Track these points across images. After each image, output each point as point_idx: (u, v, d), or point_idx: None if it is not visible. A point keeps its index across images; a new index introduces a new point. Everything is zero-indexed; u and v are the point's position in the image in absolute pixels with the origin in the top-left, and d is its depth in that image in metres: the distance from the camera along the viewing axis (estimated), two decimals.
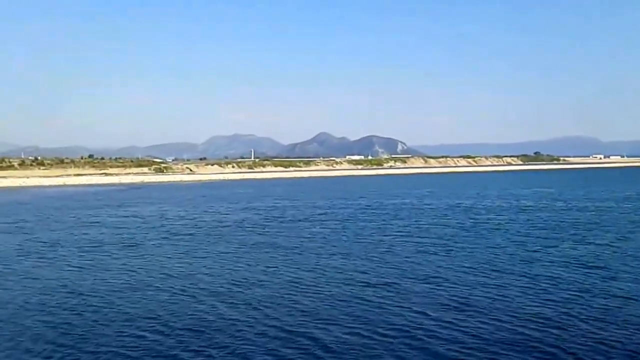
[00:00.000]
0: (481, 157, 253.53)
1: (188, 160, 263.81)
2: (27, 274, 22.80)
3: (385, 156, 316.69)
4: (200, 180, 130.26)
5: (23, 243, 31.93)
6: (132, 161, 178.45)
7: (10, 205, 61.43)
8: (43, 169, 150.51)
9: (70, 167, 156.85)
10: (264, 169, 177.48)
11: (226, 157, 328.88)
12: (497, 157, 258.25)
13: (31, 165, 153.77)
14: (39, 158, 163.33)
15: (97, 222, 43.13)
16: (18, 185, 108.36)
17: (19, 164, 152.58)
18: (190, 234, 35.02)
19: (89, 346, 13.87)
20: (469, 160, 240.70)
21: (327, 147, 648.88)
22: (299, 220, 41.71)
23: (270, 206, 54.84)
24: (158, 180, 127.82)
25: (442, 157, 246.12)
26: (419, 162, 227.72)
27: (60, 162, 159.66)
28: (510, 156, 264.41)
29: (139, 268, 23.77)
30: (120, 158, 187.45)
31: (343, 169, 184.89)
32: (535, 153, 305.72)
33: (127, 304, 17.77)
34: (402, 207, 51.38)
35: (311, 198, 65.46)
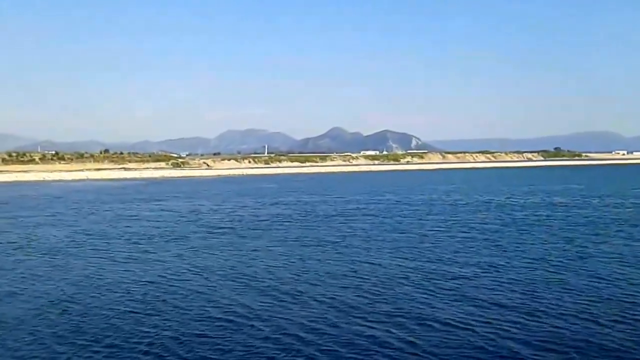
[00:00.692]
0: (500, 152, 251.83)
1: (202, 155, 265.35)
2: (93, 266, 23.22)
3: (400, 151, 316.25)
4: (219, 175, 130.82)
5: (72, 235, 32.45)
6: (149, 156, 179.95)
7: (42, 199, 62.19)
8: (63, 164, 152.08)
9: (90, 161, 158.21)
10: (280, 164, 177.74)
11: (239, 152, 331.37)
12: (517, 152, 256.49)
13: (52, 159, 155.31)
14: (59, 153, 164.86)
15: (135, 215, 43.61)
16: (41, 179, 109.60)
17: (40, 158, 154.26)
18: (230, 228, 35.32)
19: (190, 329, 14.48)
20: (488, 155, 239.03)
21: (340, 142, 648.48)
22: (333, 216, 41.85)
23: (299, 201, 55.06)
24: (178, 175, 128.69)
25: (460, 152, 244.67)
26: (437, 157, 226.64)
27: (79, 157, 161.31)
28: (531, 152, 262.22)
29: (195, 260, 24.12)
30: (137, 153, 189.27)
31: (360, 165, 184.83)
32: (555, 149, 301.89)
33: (204, 292, 18.34)
34: (433, 203, 51.34)
35: (337, 193, 65.63)
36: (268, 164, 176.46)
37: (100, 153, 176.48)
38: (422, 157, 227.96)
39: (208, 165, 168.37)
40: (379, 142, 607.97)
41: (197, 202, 55.23)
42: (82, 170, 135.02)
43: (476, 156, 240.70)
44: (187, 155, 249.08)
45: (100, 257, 25.19)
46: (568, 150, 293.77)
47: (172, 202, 56.48)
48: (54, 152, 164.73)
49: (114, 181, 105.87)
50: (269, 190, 74.65)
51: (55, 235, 32.56)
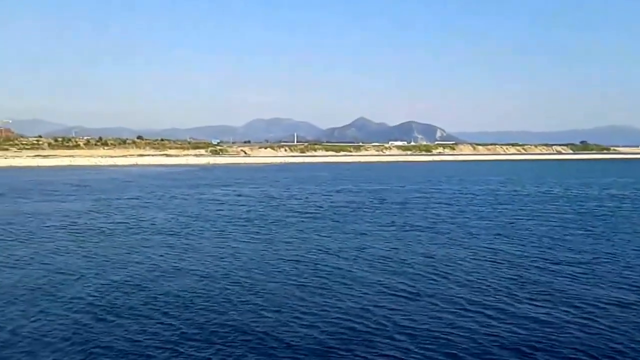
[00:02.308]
0: (530, 145, 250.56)
1: (234, 142, 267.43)
2: (222, 246, 25.10)
3: (424, 142, 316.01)
4: (263, 162, 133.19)
5: (176, 218, 34.45)
6: (189, 143, 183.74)
7: (114, 183, 65.03)
8: (107, 149, 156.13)
9: (132, 147, 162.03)
10: (315, 153, 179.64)
11: (267, 141, 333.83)
12: (547, 145, 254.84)
13: (95, 145, 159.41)
14: (102, 138, 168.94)
15: (216, 200, 45.81)
16: (93, 164, 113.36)
17: (85, 144, 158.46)
18: (317, 213, 37.03)
19: (348, 300, 16.14)
20: (518, 148, 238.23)
21: (365, 132, 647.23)
22: (407, 203, 43.28)
23: (362, 189, 56.70)
24: (222, 162, 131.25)
25: (491, 144, 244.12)
26: (468, 149, 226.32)
27: (122, 143, 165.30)
28: (560, 145, 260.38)
29: (317, 242, 25.74)
30: (177, 140, 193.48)
31: (395, 155, 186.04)
32: (581, 142, 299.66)
33: (349, 271, 19.86)
34: (495, 193, 52.53)
35: (392, 182, 67.20)
36: (304, 152, 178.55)
37: (141, 139, 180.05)
38: (453, 149, 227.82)
39: (245, 152, 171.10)
40: (404, 133, 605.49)
41: (263, 189, 57.35)
42: (125, 156, 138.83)
43: (506, 148, 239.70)
44: (218, 142, 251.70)
45: (223, 238, 26.97)
46: (595, 144, 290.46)
47: (238, 187, 58.70)
48: (98, 138, 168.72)
49: (164, 167, 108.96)
50: (323, 178, 76.65)
51: (159, 217, 34.49)
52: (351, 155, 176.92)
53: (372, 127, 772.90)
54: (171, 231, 29.33)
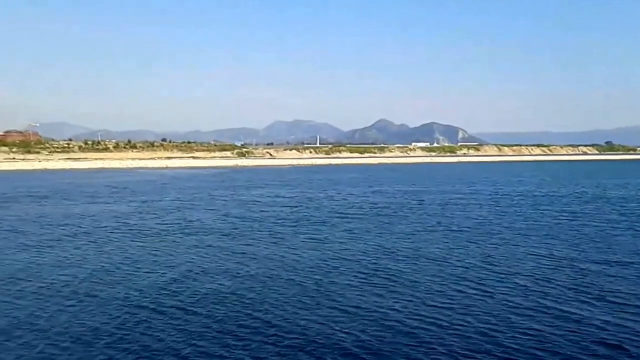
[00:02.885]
0: (556, 146, 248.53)
1: (257, 145, 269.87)
2: (277, 246, 25.70)
3: (446, 143, 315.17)
4: (290, 164, 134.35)
5: (223, 219, 35.17)
6: (215, 145, 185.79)
7: (151, 185, 66.29)
8: (135, 152, 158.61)
9: (160, 150, 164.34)
10: (340, 155, 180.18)
11: (288, 143, 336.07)
12: (572, 146, 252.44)
13: (124, 148, 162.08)
14: (131, 141, 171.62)
15: (257, 201, 46.49)
16: (125, 166, 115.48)
17: (114, 147, 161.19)
18: (361, 214, 37.34)
19: (420, 301, 16.56)
20: (544, 149, 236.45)
21: (386, 134, 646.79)
22: (446, 204, 43.38)
23: (398, 190, 57.08)
24: (251, 164, 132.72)
25: (515, 145, 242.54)
26: (493, 150, 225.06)
27: (150, 146, 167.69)
28: (585, 145, 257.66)
29: (369, 243, 26.10)
30: (203, 143, 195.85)
31: (418, 156, 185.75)
32: (606, 142, 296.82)
33: (408, 273, 20.14)
34: (532, 194, 52.34)
35: (425, 183, 67.41)
36: (329, 154, 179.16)
37: (169, 142, 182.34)
38: (477, 150, 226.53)
39: (271, 154, 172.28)
40: (426, 134, 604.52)
41: (298, 190, 58.02)
42: (153, 158, 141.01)
43: (532, 149, 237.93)
44: (242, 144, 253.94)
45: (275, 239, 27.54)
46: (620, 145, 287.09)
47: (274, 189, 59.45)
48: (127, 141, 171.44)
49: (194, 169, 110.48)
50: (354, 179, 77.18)
51: (207, 219, 35.17)
52: (376, 157, 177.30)
53: (393, 129, 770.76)
54: (223, 232, 29.94)
